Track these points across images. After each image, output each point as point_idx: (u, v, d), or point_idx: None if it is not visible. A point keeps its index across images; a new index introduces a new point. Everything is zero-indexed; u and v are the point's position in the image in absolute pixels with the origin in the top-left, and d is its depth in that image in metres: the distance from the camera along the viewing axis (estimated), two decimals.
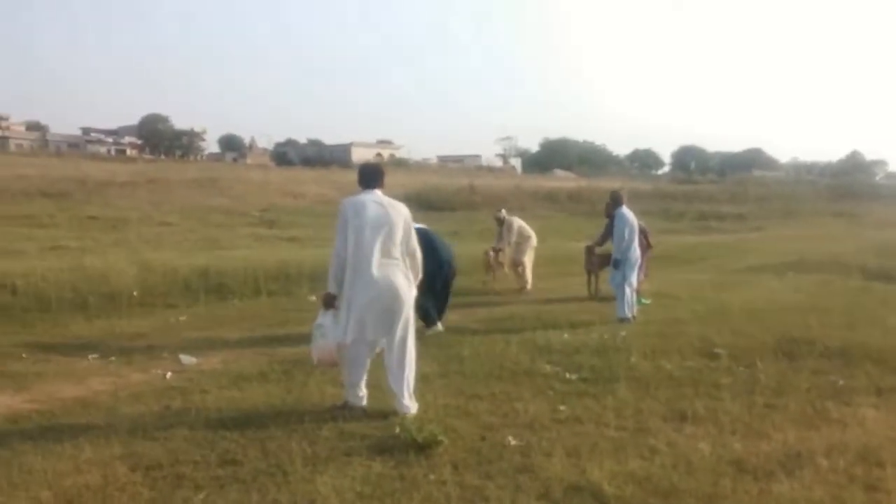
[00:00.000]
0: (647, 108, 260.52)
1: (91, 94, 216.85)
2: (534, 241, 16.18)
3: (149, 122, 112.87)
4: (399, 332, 6.54)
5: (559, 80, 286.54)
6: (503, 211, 16.56)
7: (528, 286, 15.68)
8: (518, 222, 16.21)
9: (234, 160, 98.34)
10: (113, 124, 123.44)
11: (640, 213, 14.33)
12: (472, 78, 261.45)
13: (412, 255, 6.76)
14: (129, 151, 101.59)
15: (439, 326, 10.54)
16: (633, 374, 7.84)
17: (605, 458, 5.36)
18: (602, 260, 14.03)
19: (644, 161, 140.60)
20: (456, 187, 50.43)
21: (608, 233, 13.08)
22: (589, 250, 14.54)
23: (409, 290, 6.57)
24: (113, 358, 9.33)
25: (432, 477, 5.05)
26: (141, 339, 10.54)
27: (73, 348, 9.94)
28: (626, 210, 11.74)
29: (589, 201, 49.63)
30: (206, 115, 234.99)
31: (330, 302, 6.72)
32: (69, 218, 31.79)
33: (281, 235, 28.67)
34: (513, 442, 5.75)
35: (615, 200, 12.02)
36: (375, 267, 6.40)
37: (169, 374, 8.42)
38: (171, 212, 35.84)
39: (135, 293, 13.48)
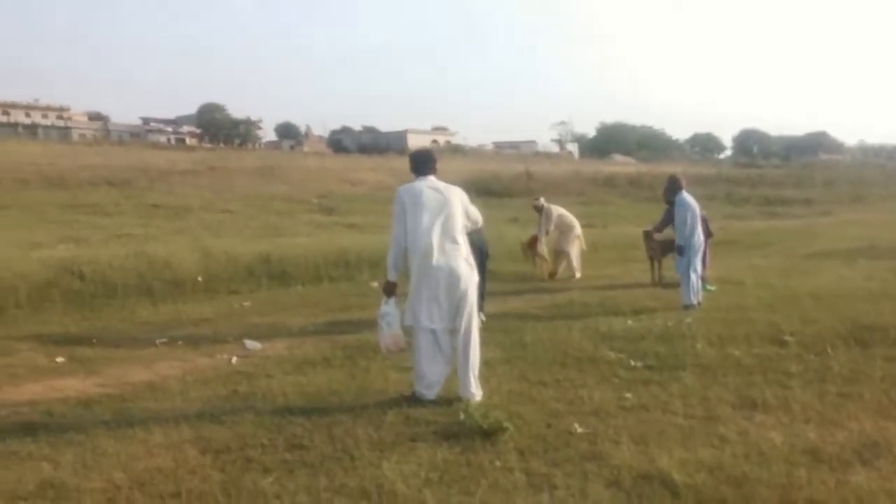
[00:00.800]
0: (707, 92, 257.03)
1: (150, 84, 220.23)
2: (577, 229, 15.92)
3: (206, 112, 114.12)
4: (464, 318, 6.52)
5: (616, 64, 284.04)
6: (542, 199, 16.23)
7: (578, 275, 15.54)
8: (558, 210, 15.93)
9: (291, 148, 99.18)
10: (171, 114, 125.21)
11: (703, 199, 14.18)
12: (528, 63, 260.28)
13: (475, 223, 6.85)
14: (188, 140, 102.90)
15: (482, 317, 10.32)
16: (699, 362, 7.73)
17: (674, 446, 5.29)
18: (664, 246, 13.86)
19: (705, 145, 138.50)
20: (513, 174, 50.23)
21: (668, 218, 12.92)
22: (648, 235, 14.33)
23: (470, 275, 6.55)
24: (180, 343, 9.50)
25: (498, 463, 5.03)
26: (206, 325, 10.70)
27: (141, 333, 10.14)
28: (686, 195, 11.54)
29: (650, 186, 49.08)
30: (261, 103, 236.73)
31: (391, 290, 6.75)
32: (134, 206, 32.30)
33: (340, 222, 28.84)
34: (579, 429, 5.71)
35: (673, 185, 11.81)
36: (437, 254, 6.40)
37: (235, 359, 8.54)
38: (232, 199, 36.19)
39: (199, 279, 13.69)
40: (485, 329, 7.99)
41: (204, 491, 4.69)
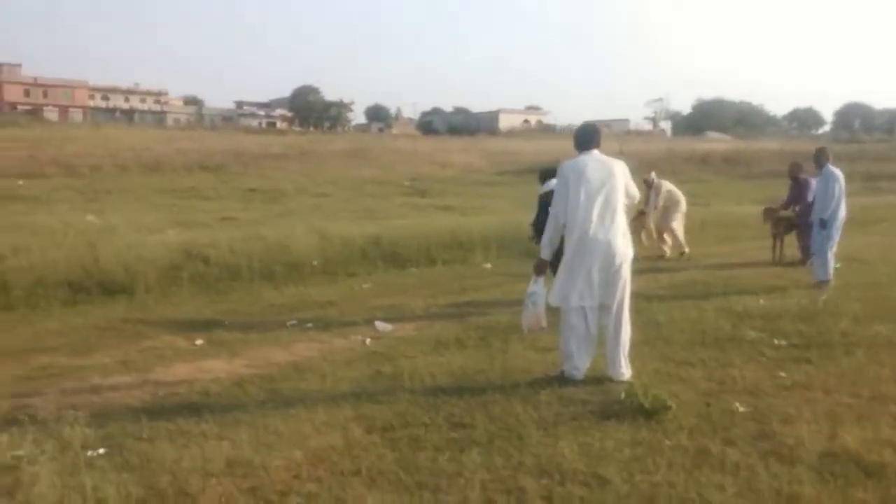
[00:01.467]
0: (810, 66, 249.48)
1: (246, 67, 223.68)
2: (683, 206, 15.69)
3: (300, 94, 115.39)
4: (618, 296, 6.53)
5: (715, 39, 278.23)
6: (653, 174, 15.99)
7: (686, 250, 15.35)
8: (667, 186, 15.73)
9: (380, 130, 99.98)
10: (265, 97, 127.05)
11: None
12: (621, 40, 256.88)
13: (632, 199, 6.82)
14: (279, 124, 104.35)
15: None
16: (847, 340, 7.61)
17: (850, 425, 5.23)
18: (788, 223, 13.63)
19: (803, 121, 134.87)
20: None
21: (795, 194, 12.73)
22: (770, 212, 14.08)
23: (627, 252, 6.53)
24: (309, 325, 9.68)
25: (668, 443, 5.05)
26: (331, 307, 10.88)
27: (270, 316, 10.36)
28: (833, 168, 11.27)
29: (745, 163, 48.23)
30: (353, 85, 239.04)
31: (542, 269, 6.79)
32: (230, 190, 33.00)
33: (434, 204, 28.95)
34: (740, 408, 5.69)
35: (820, 157, 11.50)
36: (594, 228, 6.39)
37: (368, 341, 8.67)
38: (325, 183, 36.68)
39: (315, 262, 13.92)
40: None
41: (382, 469, 4.80)
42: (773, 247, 13.98)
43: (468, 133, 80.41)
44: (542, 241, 6.78)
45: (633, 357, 7.12)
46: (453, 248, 15.54)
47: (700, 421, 5.45)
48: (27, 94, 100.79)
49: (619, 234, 6.48)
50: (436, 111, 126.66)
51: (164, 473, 4.76)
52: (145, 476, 4.70)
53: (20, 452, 5.18)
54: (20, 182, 31.19)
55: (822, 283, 10.90)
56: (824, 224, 11.01)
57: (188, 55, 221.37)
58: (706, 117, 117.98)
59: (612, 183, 6.48)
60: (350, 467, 4.85)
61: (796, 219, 13.49)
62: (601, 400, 6.01)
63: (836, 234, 11.10)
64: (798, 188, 13.41)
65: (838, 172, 11.22)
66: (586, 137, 6.78)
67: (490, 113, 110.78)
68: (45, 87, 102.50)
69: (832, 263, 11.11)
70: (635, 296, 10.15)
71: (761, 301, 9.84)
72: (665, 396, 5.62)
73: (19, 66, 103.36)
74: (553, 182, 9.38)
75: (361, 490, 4.51)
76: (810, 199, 12.89)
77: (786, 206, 13.61)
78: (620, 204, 6.54)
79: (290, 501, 4.41)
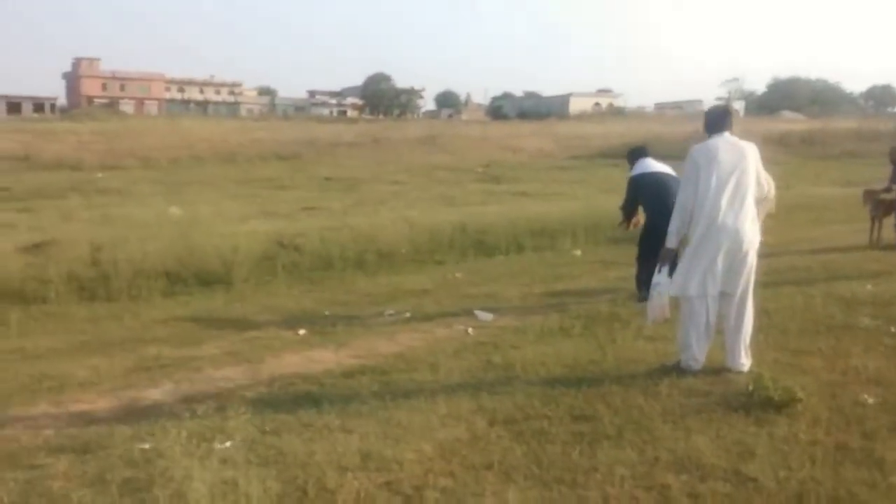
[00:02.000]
0: (888, 42, 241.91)
1: (317, 57, 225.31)
2: None
3: (372, 82, 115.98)
4: (742, 284, 6.37)
5: (789, 17, 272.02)
6: None
7: None
8: None
9: (450, 116, 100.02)
10: (337, 86, 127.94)
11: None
12: (694, 19, 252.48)
13: (762, 191, 6.55)
14: (349, 112, 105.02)
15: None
16: None
17: None
18: (888, 206, 13.24)
19: (880, 99, 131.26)
20: (680, 135, 49.09)
21: (894, 179, 12.43)
22: (870, 195, 13.66)
23: (755, 238, 6.34)
24: (408, 314, 9.69)
25: (804, 437, 4.92)
26: (427, 296, 10.89)
27: (368, 305, 10.42)
28: None
29: (821, 143, 47.19)
30: (423, 73, 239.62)
31: (668, 257, 6.67)
32: (307, 179, 33.27)
33: (510, 190, 28.81)
34: (870, 400, 5.53)
35: None
36: (723, 214, 6.21)
37: (471, 330, 8.63)
38: (398, 171, 36.77)
39: (403, 251, 13.96)
40: None
41: (514, 463, 4.76)
42: (871, 229, 13.55)
43: (538, 118, 79.87)
44: (670, 229, 6.60)
45: (749, 347, 7.02)
46: (540, 234, 15.49)
47: (832, 414, 5.30)
48: (104, 87, 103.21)
49: (747, 220, 6.27)
50: (506, 96, 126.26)
51: (297, 467, 4.76)
52: (280, 470, 4.71)
53: (146, 445, 5.23)
54: (100, 174, 31.90)
55: None
56: None
57: (261, 46, 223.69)
58: (781, 96, 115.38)
59: (743, 166, 6.28)
60: (481, 461, 4.81)
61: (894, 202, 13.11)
62: (724, 391, 5.89)
63: None
64: None
65: None
66: (717, 119, 6.58)
67: (560, 97, 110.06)
68: (123, 81, 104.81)
69: None
70: None
71: (869, 287, 9.56)
72: (795, 388, 5.47)
73: (98, 60, 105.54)
74: (644, 163, 9.23)
75: (497, 485, 4.47)
76: None
77: (889, 188, 13.20)
78: (751, 188, 6.32)
79: (428, 497, 4.37)
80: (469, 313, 9.49)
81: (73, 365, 7.63)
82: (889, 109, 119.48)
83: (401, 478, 4.63)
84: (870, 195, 13.62)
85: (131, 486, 4.56)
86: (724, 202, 6.21)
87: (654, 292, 6.76)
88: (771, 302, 8.86)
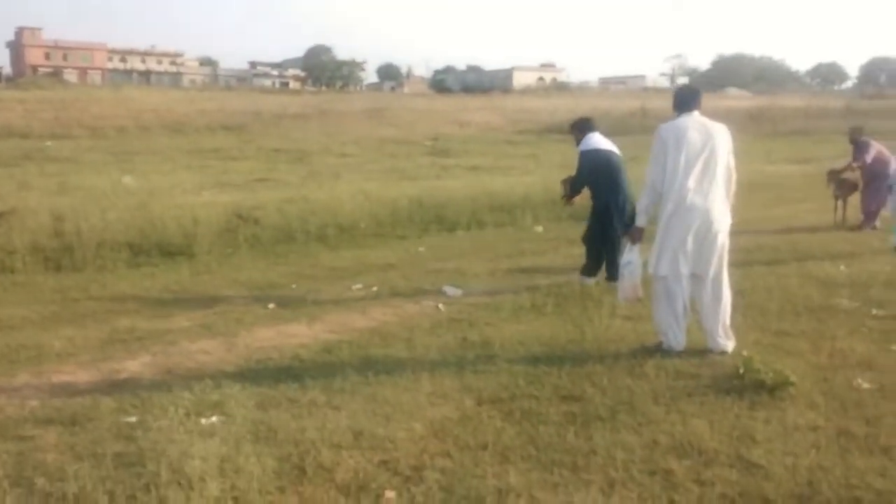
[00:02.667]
0: (832, 19, 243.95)
1: (259, 28, 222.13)
2: None
3: (314, 54, 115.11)
4: (715, 264, 6.32)
5: None
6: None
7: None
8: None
9: (392, 89, 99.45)
10: (278, 57, 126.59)
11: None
12: None
13: (730, 178, 6.47)
14: (291, 83, 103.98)
15: (591, 281, 9.27)
16: None
17: None
18: (851, 186, 13.34)
19: (826, 76, 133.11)
20: (626, 110, 49.30)
21: (856, 158, 12.56)
22: (834, 175, 13.71)
23: (725, 219, 6.29)
24: (375, 289, 9.51)
25: (801, 421, 4.87)
26: (393, 271, 10.70)
27: (334, 279, 10.21)
28: None
29: (771, 121, 47.53)
30: (365, 45, 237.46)
31: (638, 236, 6.61)
32: (255, 150, 32.87)
33: (462, 164, 28.66)
34: (864, 385, 5.50)
35: None
36: (693, 194, 6.15)
37: (441, 306, 8.48)
38: (346, 143, 36.48)
39: (362, 224, 13.76)
40: None
41: (508, 444, 4.66)
42: (835, 209, 13.63)
43: (481, 91, 79.50)
44: (638, 208, 6.58)
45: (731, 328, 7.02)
46: (500, 210, 15.34)
47: (827, 399, 5.25)
48: (48, 57, 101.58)
49: (717, 200, 6.22)
50: (448, 69, 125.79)
51: (290, 444, 4.64)
52: (272, 447, 4.57)
53: (133, 419, 5.11)
54: (49, 143, 31.24)
55: None
56: None
57: (203, 16, 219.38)
58: (726, 73, 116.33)
59: (712, 146, 6.21)
60: (475, 441, 4.70)
61: (859, 181, 13.21)
62: (713, 374, 5.84)
63: None
64: (859, 151, 13.09)
65: None
66: (687, 98, 6.51)
67: (504, 70, 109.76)
68: (65, 50, 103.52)
69: None
70: None
71: (843, 268, 9.61)
72: (787, 371, 5.43)
73: (40, 29, 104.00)
74: (593, 138, 9.08)
75: (496, 466, 4.36)
76: (869, 160, 12.65)
77: (849, 168, 13.30)
78: (721, 168, 6.26)
79: (428, 477, 4.25)
80: (437, 289, 9.35)
81: (48, 335, 7.41)
82: (835, 87, 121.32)
83: (396, 457, 4.51)
84: (833, 175, 13.70)
85: (124, 461, 4.43)
86: (692, 182, 6.16)
87: (625, 271, 6.75)
88: (745, 281, 8.86)
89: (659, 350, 6.44)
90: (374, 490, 4.12)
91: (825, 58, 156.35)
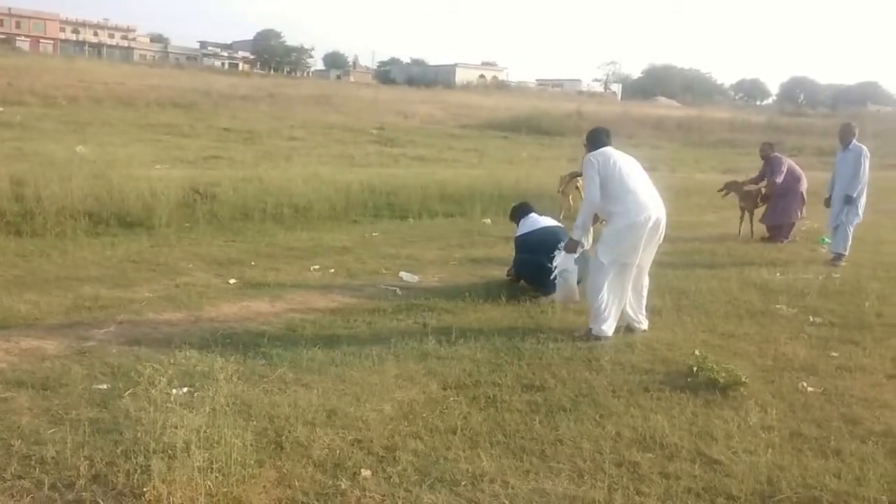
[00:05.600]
0: (756, 36, 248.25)
1: (209, 8, 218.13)
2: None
3: (263, 38, 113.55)
4: (653, 254, 6.88)
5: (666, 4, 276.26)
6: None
7: None
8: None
9: (338, 77, 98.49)
10: (228, 39, 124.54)
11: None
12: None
13: None
14: (241, 66, 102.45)
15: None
16: (885, 322, 7.54)
17: None
18: (754, 197, 13.24)
19: (749, 92, 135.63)
20: (562, 112, 49.54)
21: (765, 173, 12.77)
22: (733, 185, 13.55)
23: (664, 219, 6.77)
24: (332, 270, 9.39)
25: (755, 421, 4.89)
26: (349, 254, 10.56)
27: (292, 259, 10.04)
28: (861, 144, 11.02)
29: (699, 131, 48.20)
30: (312, 32, 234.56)
31: (574, 248, 6.89)
32: (206, 128, 32.31)
33: (407, 154, 28.51)
34: (808, 388, 5.57)
35: (846, 133, 11.17)
36: (643, 193, 6.63)
37: (399, 291, 8.43)
38: (294, 126, 36.00)
39: (317, 206, 13.59)
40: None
41: (477, 430, 4.62)
42: (741, 220, 13.43)
43: (425, 85, 78.95)
44: (577, 224, 6.83)
45: (675, 324, 7.17)
46: (449, 200, 15.26)
47: (775, 400, 5.30)
48: (0, 23, 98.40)
49: (661, 202, 6.74)
50: (393, 61, 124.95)
51: (264, 419, 4.57)
52: (247, 421, 4.48)
53: (104, 386, 5.02)
54: (0, 109, 30.27)
55: (839, 257, 10.82)
56: (850, 200, 10.81)
57: None
58: (656, 82, 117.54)
59: (637, 164, 6.85)
60: (444, 425, 4.67)
61: (764, 195, 13.17)
62: (666, 370, 5.87)
63: (861, 211, 10.98)
64: (769, 167, 13.10)
65: (866, 150, 10.96)
66: (600, 136, 6.96)
67: (447, 66, 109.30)
68: (18, 18, 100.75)
69: (849, 240, 10.97)
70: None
71: (779, 275, 9.73)
72: (738, 372, 5.47)
73: None
74: (531, 220, 8.88)
75: (467, 451, 4.32)
76: (779, 179, 12.74)
77: (755, 181, 13.32)
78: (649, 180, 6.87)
79: (401, 458, 4.20)
80: (393, 273, 9.27)
81: (13, 299, 7.19)
82: (757, 103, 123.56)
83: (369, 436, 4.45)
84: (733, 186, 13.44)
85: (100, 427, 4.35)
86: (639, 184, 6.67)
87: (560, 278, 7.08)
88: (688, 282, 8.98)
89: (590, 337, 6.66)
90: (349, 468, 4.07)
91: (748, 74, 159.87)
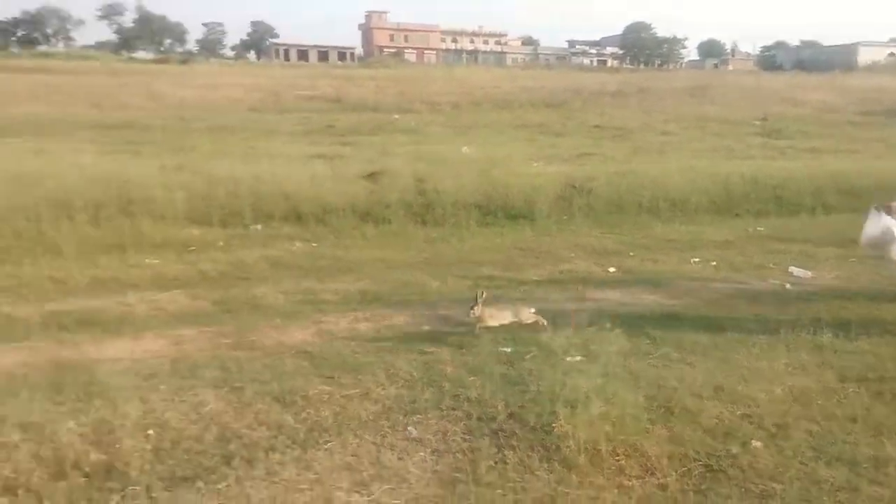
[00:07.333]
0: None
1: (576, 7, 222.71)
2: None
3: (632, 31, 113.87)
4: None
5: None
6: None
7: None
8: None
9: (715, 66, 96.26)
10: (596, 35, 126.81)
11: None
12: None
13: None
14: (609, 62, 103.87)
15: None
16: None
17: None
18: None
19: None
20: None
21: None
22: None
23: None
24: (713, 263, 9.57)
25: None
26: (731, 248, 10.67)
27: (671, 250, 10.43)
28: None
29: None
30: (686, 21, 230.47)
31: None
32: (576, 126, 33.28)
33: (795, 146, 27.27)
34: None
35: None
36: None
37: (788, 285, 8.43)
38: (667, 121, 35.91)
39: (694, 199, 13.67)
40: None
41: (880, 422, 4.69)
42: None
43: (817, 69, 73.71)
44: None
45: None
46: (849, 194, 14.40)
47: None
48: (392, 38, 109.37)
49: None
50: (779, 45, 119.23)
51: (651, 387, 5.06)
52: (636, 387, 4.89)
53: (507, 349, 5.99)
54: (396, 116, 33.83)
55: None
56: None
57: None
58: None
59: None
60: (841, 413, 4.81)
61: None
62: None
63: None
64: None
65: None
66: None
67: (846, 46, 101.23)
68: (406, 32, 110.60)
69: None
70: None
71: None
72: None
73: (386, 13, 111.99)
74: None
75: (869, 438, 4.46)
76: None
77: None
78: None
79: (794, 435, 4.45)
80: (783, 269, 9.21)
81: (426, 277, 8.74)
82: None
83: (759, 413, 4.75)
84: None
85: (509, 380, 5.36)
86: None
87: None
88: None
89: None
90: (739, 437, 4.41)
91: None
